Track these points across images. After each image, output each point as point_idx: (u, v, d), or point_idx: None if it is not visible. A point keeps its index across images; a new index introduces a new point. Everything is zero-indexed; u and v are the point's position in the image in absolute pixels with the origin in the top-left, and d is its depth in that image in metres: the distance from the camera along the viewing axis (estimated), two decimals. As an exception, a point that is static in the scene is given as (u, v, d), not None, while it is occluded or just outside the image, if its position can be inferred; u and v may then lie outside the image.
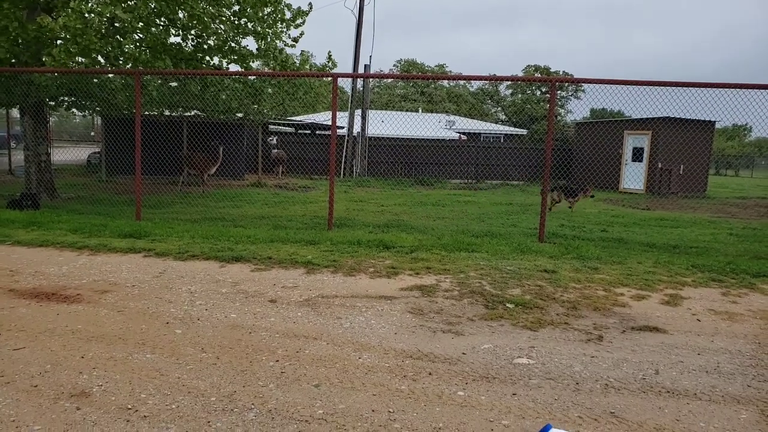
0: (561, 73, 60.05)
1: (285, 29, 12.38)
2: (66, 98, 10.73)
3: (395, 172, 22.93)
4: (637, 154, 21.04)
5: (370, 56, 24.09)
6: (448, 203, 14.03)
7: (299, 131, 27.31)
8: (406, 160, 23.55)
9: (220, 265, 5.82)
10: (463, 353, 3.69)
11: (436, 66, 65.07)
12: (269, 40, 11.36)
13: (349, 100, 21.83)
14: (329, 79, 10.63)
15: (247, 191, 14.77)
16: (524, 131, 44.95)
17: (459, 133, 34.56)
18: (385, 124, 28.88)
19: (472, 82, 62.20)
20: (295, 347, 3.64)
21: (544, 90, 61.89)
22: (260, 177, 19.86)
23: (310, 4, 13.41)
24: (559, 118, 57.46)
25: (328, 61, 11.28)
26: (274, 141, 19.79)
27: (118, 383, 2.98)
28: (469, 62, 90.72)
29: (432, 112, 49.51)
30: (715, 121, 19.26)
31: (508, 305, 4.83)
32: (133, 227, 7.33)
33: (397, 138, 24.53)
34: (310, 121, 25.81)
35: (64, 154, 19.19)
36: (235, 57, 10.48)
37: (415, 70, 61.90)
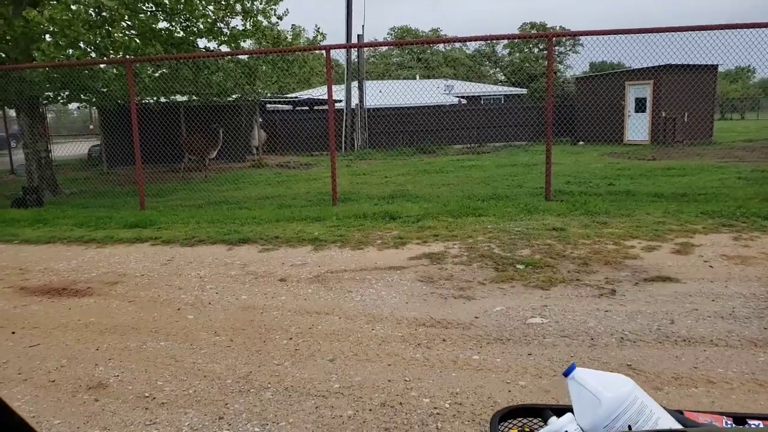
0: (558, 28, 58.87)
1: (272, 6, 12.17)
2: (60, 93, 10.63)
3: (397, 142, 22.75)
4: (640, 105, 20.71)
5: (363, 26, 23.63)
6: (451, 169, 13.92)
7: (297, 108, 27.08)
8: (407, 129, 23.33)
9: (227, 248, 5.81)
10: (476, 317, 3.68)
11: (430, 31, 63.99)
12: (258, 18, 11.16)
13: (345, 73, 21.53)
14: (322, 52, 10.47)
15: (249, 173, 14.71)
16: (524, 90, 44.33)
17: (458, 97, 34.13)
18: (383, 94, 28.57)
19: (468, 44, 61.18)
20: (308, 324, 3.64)
21: (541, 47, 60.79)
22: (260, 157, 19.77)
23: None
24: (558, 74, 56.54)
25: (317, 34, 11.08)
26: (259, 120, 19.59)
27: (134, 372, 3.00)
28: (465, 24, 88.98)
29: (429, 78, 48.86)
30: (717, 65, 18.86)
31: (518, 266, 4.80)
32: (138, 217, 7.33)
33: (396, 107, 24.23)
34: (306, 97, 25.54)
35: (65, 150, 19.16)
36: (225, 38, 10.30)
37: (410, 37, 60.91)
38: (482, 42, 60.05)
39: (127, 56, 8.27)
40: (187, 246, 5.97)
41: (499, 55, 61.96)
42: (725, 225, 6.04)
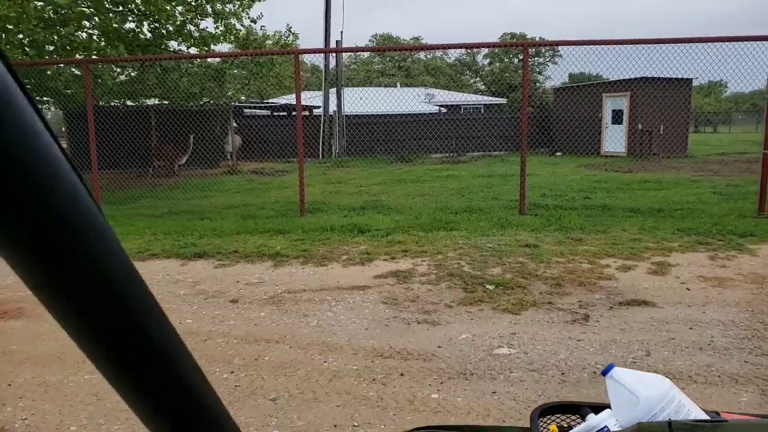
0: (537, 39, 59.40)
1: (245, 8, 11.87)
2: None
3: (376, 150, 22.47)
4: (617, 117, 20.80)
5: (341, 32, 23.39)
6: (428, 179, 13.68)
7: (275, 113, 26.68)
8: (387, 137, 23.07)
9: (181, 264, 5.44)
10: (439, 347, 3.39)
11: (411, 39, 64.09)
12: (229, 21, 10.83)
13: (323, 78, 21.21)
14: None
15: (220, 179, 14.27)
16: (503, 100, 44.50)
17: (438, 106, 34.03)
18: (363, 101, 28.31)
19: (449, 54, 61.41)
20: (254, 354, 3.31)
21: (521, 57, 61.20)
22: (235, 163, 19.33)
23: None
24: (537, 84, 57.04)
25: (289, 35, 10.77)
26: (233, 125, 19.15)
27: (45, 414, 2.63)
28: (446, 34, 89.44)
29: (410, 86, 48.80)
30: (692, 79, 19.03)
31: (488, 287, 4.53)
32: (91, 227, 6.90)
33: (376, 115, 23.97)
34: (284, 102, 25.16)
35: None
36: (194, 41, 9.93)
37: (391, 44, 60.88)
38: (462, 51, 60.44)
39: (86, 57, 7.85)
40: (138, 260, 5.58)
41: (480, 64, 62.32)
42: (702, 243, 5.86)
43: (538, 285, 4.56)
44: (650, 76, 17.25)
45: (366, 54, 62.00)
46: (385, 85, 50.32)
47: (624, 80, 20.21)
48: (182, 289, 4.62)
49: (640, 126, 19.84)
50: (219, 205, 9.25)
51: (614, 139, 20.81)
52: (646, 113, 19.75)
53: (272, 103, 25.25)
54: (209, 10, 9.79)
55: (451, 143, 24.12)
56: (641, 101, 19.79)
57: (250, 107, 24.43)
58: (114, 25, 8.77)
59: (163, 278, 4.97)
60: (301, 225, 6.87)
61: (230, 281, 4.80)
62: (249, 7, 12.39)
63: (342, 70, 21.65)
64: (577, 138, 20.34)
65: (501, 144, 23.99)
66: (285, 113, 27.10)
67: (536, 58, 60.50)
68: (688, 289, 4.41)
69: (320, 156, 21.44)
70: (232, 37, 10.00)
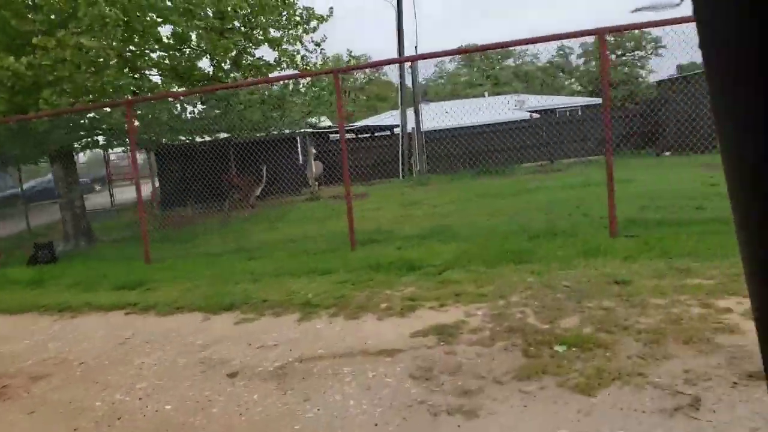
0: (636, 32, 55.21)
1: (303, 33, 11.50)
2: (91, 137, 10.33)
3: (461, 165, 21.34)
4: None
5: (416, 47, 22.64)
6: (511, 193, 12.43)
7: (359, 136, 26.50)
8: (472, 150, 21.90)
9: (203, 318, 4.82)
10: (468, 460, 2.38)
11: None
12: (286, 46, 10.44)
13: (399, 95, 20.59)
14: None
15: (299, 207, 13.94)
16: (599, 100, 41.43)
17: (530, 111, 32.23)
18: (447, 114, 27.33)
19: (539, 56, 58.87)
20: (218, 467, 2.50)
21: (619, 53, 57.46)
22: (316, 189, 19.16)
23: (331, 8, 12.44)
24: (639, 80, 52.97)
25: (350, 60, 10.17)
26: (314, 150, 18.88)
27: None
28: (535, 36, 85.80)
29: (500, 94, 47.06)
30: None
31: (557, 348, 3.42)
32: (133, 275, 6.56)
33: (461, 127, 22.90)
34: (360, 125, 24.86)
35: (127, 193, 19.49)
36: (248, 69, 9.61)
37: (477, 54, 59.42)
38: (554, 53, 57.62)
39: (126, 96, 7.68)
40: (161, 315, 5.04)
41: (574, 65, 59.07)
42: None
43: (626, 343, 3.37)
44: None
45: (451, 66, 61.04)
46: (473, 96, 49.03)
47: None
48: (185, 356, 3.95)
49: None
50: (278, 239, 8.71)
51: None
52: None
53: (349, 126, 24.97)
54: (260, 37, 9.44)
55: (542, 151, 22.44)
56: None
57: (332, 132, 24.38)
58: (167, 61, 8.63)
59: (175, 339, 4.34)
60: (348, 261, 6.06)
61: (242, 344, 4.06)
62: (312, 31, 12.01)
63: (418, 84, 20.86)
64: (689, 134, 17.95)
65: (599, 147, 21.90)
66: (368, 135, 26.84)
67: (636, 51, 56.24)
68: None
69: (401, 176, 20.73)
70: (284, 64, 9.56)
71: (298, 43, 11.78)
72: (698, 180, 11.30)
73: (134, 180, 7.23)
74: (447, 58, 61.32)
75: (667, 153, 19.55)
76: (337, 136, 27.74)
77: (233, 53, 9.76)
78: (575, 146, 22.13)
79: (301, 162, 19.61)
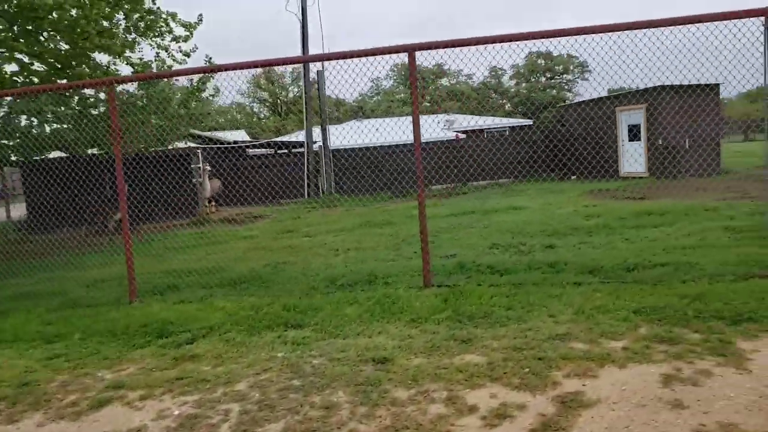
0: (564, 56, 56.70)
1: (172, 41, 10.49)
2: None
3: (374, 186, 20.51)
4: (634, 133, 18.26)
5: (323, 64, 21.79)
6: (394, 221, 11.65)
7: (277, 152, 25.36)
8: (385, 170, 21.14)
9: None
10: None
11: (434, 65, 62.70)
12: (131, 54, 9.37)
13: (304, 110, 19.69)
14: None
15: (169, 234, 12.64)
16: (530, 121, 41.95)
17: (457, 132, 31.93)
18: (373, 133, 26.48)
19: (474, 77, 59.56)
20: None
21: (549, 76, 59.03)
22: (210, 210, 17.95)
23: (200, 15, 11.48)
24: (566, 102, 54.32)
25: (207, 64, 9.23)
26: (207, 168, 17.62)
27: None
28: (469, 58, 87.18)
29: (434, 113, 46.94)
30: (718, 84, 16.36)
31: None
32: None
33: (377, 146, 22.06)
34: (262, 141, 23.77)
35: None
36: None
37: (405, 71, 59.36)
38: (487, 74, 58.40)
39: None
40: None
41: (506, 86, 60.09)
42: (664, 339, 3.65)
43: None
44: (669, 83, 14.84)
45: (387, 84, 60.86)
46: (407, 114, 48.75)
47: (638, 90, 17.78)
48: None
49: (660, 141, 17.24)
50: (96, 277, 7.47)
51: (633, 158, 18.22)
52: (666, 127, 17.14)
53: (249, 142, 23.74)
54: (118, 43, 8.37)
55: (453, 173, 21.97)
56: (659, 113, 17.22)
57: (248, 146, 23.12)
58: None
59: None
60: (102, 323, 4.95)
61: None
62: (184, 40, 11.02)
63: (325, 100, 20.03)
64: (589, 160, 17.87)
65: (511, 170, 21.64)
66: (274, 151, 25.70)
67: (564, 75, 57.81)
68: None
69: (306, 195, 19.75)
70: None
71: (163, 51, 10.74)
72: (578, 210, 10.85)
73: None
74: (383, 75, 61.18)
75: (573, 177, 19.43)
76: (259, 151, 26.60)
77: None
78: (488, 169, 21.82)
79: (195, 180, 18.28)
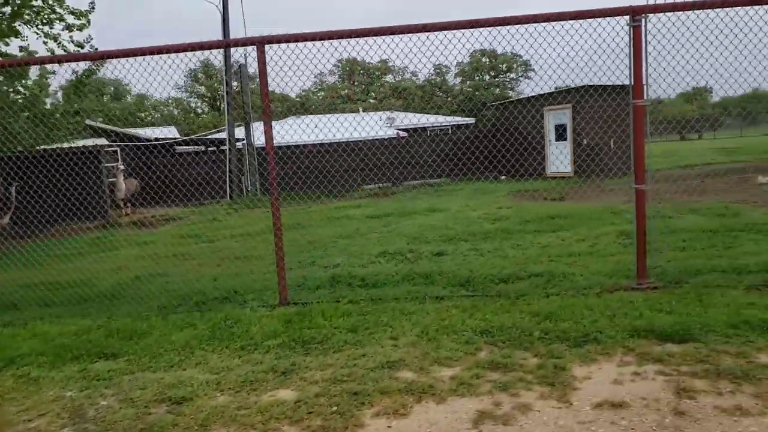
0: (509, 54, 57.36)
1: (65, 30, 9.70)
2: None
3: (309, 185, 19.86)
4: (561, 133, 18.38)
5: (245, 56, 21.11)
6: (308, 224, 11.14)
7: (209, 149, 24.33)
8: (316, 169, 20.53)
9: None
10: None
11: (379, 62, 62.38)
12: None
13: (225, 104, 18.88)
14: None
15: (65, 240, 11.70)
16: (472, 120, 42.15)
17: (399, 130, 31.60)
18: (309, 130, 25.73)
19: (418, 74, 59.62)
20: None
21: (493, 74, 59.68)
22: (125, 212, 16.98)
23: (91, 2, 10.69)
24: (504, 101, 55.02)
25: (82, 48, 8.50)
26: (121, 167, 16.57)
27: None
28: (414, 54, 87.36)
29: (378, 110, 46.54)
30: (643, 85, 16.56)
31: None
32: None
33: (312, 144, 21.38)
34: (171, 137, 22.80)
35: None
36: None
37: (359, 70, 59.01)
38: (431, 72, 58.47)
39: None
40: None
41: (450, 84, 60.35)
42: (498, 366, 3.33)
43: None
44: (593, 84, 14.90)
45: (332, 79, 60.03)
46: (349, 111, 48.17)
47: (564, 90, 17.87)
48: None
49: (585, 141, 17.39)
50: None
51: (560, 158, 18.33)
52: (591, 127, 17.30)
53: (173, 138, 22.68)
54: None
55: (388, 172, 21.63)
56: (584, 114, 17.36)
57: (173, 143, 22.02)
58: None
59: None
60: None
61: None
62: (79, 29, 10.22)
63: (248, 93, 19.28)
64: (518, 159, 17.85)
65: (449, 169, 21.43)
66: (213, 148, 24.74)
67: (508, 74, 58.55)
68: None
69: (228, 196, 18.97)
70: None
71: (51, 40, 9.92)
72: (488, 213, 10.64)
73: None
74: (326, 71, 60.24)
75: (503, 177, 19.40)
76: (188, 148, 25.47)
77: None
78: (417, 169, 21.59)
79: (108, 181, 17.20)
